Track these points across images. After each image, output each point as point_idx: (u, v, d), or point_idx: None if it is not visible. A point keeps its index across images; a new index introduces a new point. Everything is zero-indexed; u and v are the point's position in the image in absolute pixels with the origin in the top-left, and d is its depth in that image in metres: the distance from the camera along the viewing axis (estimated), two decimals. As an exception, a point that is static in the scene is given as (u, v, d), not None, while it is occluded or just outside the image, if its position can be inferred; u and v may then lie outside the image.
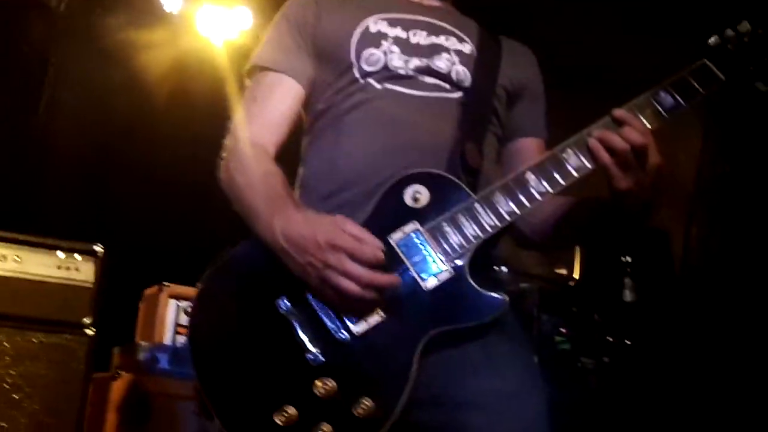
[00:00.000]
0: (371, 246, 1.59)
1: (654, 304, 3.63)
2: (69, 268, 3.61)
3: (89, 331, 3.58)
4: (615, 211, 1.72)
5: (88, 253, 3.65)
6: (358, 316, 1.62)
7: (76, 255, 3.63)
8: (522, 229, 1.93)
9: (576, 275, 3.61)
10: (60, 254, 3.59)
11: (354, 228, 1.61)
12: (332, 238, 1.58)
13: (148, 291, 3.98)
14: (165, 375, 3.48)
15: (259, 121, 1.84)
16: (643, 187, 1.65)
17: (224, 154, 1.83)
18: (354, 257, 1.57)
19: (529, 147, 1.98)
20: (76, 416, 3.48)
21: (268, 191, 1.71)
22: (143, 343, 3.58)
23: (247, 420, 1.58)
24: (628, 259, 3.63)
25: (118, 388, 3.43)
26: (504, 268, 3.43)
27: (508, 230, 1.74)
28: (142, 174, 4.92)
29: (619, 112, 1.68)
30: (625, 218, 1.73)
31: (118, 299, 4.15)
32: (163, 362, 3.52)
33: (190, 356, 1.63)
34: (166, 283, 3.80)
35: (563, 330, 3.20)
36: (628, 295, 3.58)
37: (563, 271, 3.65)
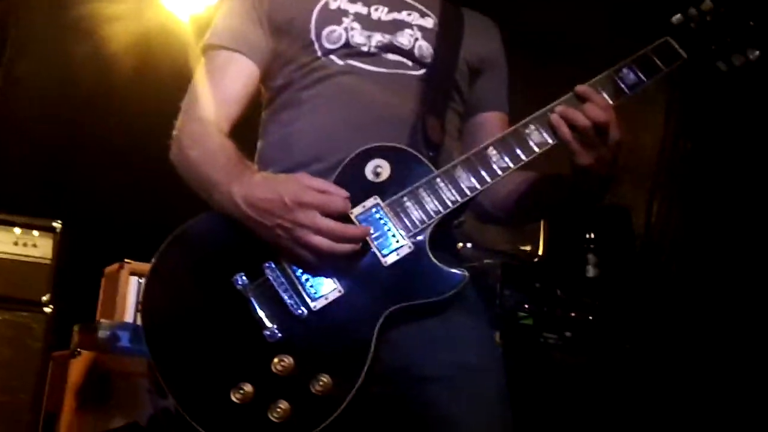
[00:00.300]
0: (337, 196, 1.59)
1: (616, 280, 3.66)
2: (26, 244, 3.56)
3: (47, 309, 3.54)
4: (576, 186, 1.71)
5: (46, 229, 3.61)
6: (325, 280, 1.60)
7: (33, 231, 3.59)
8: (483, 204, 1.92)
9: (540, 252, 3.63)
10: (17, 230, 3.54)
11: (316, 181, 1.60)
12: (298, 196, 1.56)
13: (109, 268, 3.92)
14: (126, 353, 3.44)
15: (212, 100, 1.80)
16: (603, 162, 1.65)
17: (175, 133, 1.79)
18: (324, 211, 1.56)
19: (491, 121, 1.97)
20: (34, 394, 3.44)
21: (224, 162, 1.68)
22: (103, 321, 3.54)
23: (202, 397, 1.56)
24: (591, 235, 3.65)
25: (77, 366, 3.39)
26: (469, 244, 3.43)
27: (469, 205, 1.73)
28: (104, 149, 4.84)
29: (581, 88, 1.67)
30: (585, 193, 1.73)
31: (80, 277, 4.11)
32: (124, 340, 3.47)
33: (142, 332, 1.60)
34: (127, 260, 3.75)
35: (526, 305, 3.21)
36: (590, 271, 3.61)
37: (528, 248, 3.66)
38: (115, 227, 4.72)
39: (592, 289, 3.44)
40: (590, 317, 3.37)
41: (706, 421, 3.28)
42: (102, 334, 3.45)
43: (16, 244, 3.53)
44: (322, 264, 1.59)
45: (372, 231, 1.63)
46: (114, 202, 4.82)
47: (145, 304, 1.65)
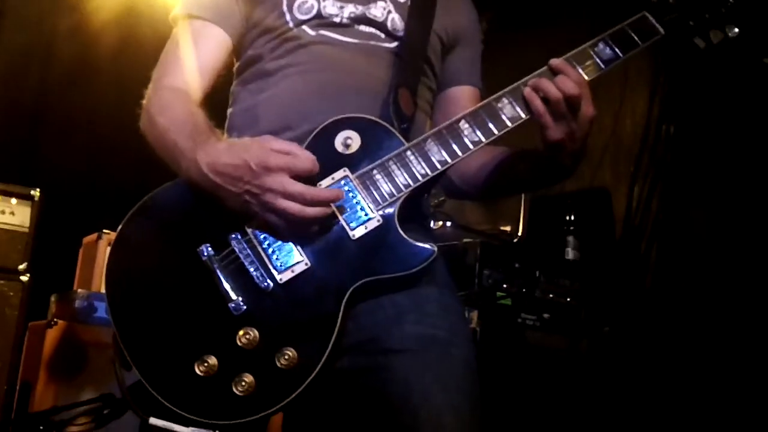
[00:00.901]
0: (304, 157, 1.56)
1: (595, 263, 3.65)
2: (4, 212, 3.50)
3: (24, 278, 3.49)
4: (546, 161, 1.70)
5: (24, 197, 3.55)
6: (299, 247, 1.58)
7: (11, 199, 3.53)
8: (452, 178, 1.91)
9: (520, 232, 3.61)
10: (-6, 197, 3.49)
11: (281, 143, 1.57)
12: (264, 160, 1.53)
13: (87, 238, 3.89)
14: (102, 324, 3.40)
15: (183, 70, 1.78)
16: (574, 138, 1.64)
17: (144, 101, 1.76)
18: (291, 173, 1.53)
19: (463, 96, 1.95)
20: (10, 364, 3.41)
21: (192, 130, 1.65)
22: (80, 291, 3.50)
23: (165, 370, 1.54)
24: (572, 217, 3.64)
25: (53, 336, 3.35)
26: (448, 223, 3.42)
27: (439, 180, 1.71)
28: (85, 120, 4.79)
29: (555, 62, 1.66)
30: (556, 168, 1.72)
31: (57, 246, 4.07)
32: (101, 311, 3.44)
33: (106, 302, 1.58)
34: (105, 231, 3.71)
35: (505, 286, 3.20)
36: (570, 254, 3.60)
37: (508, 228, 3.65)
38: (94, 197, 4.69)
39: (571, 272, 3.42)
40: (569, 299, 3.36)
41: (684, 404, 3.29)
42: (79, 304, 3.42)
43: (-7, 211, 3.48)
44: (291, 230, 1.57)
45: (340, 204, 1.61)
46: (93, 172, 4.79)
47: (109, 274, 1.62)
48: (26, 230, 3.52)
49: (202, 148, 1.59)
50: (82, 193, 4.67)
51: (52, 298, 3.60)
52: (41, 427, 3.11)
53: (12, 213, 3.51)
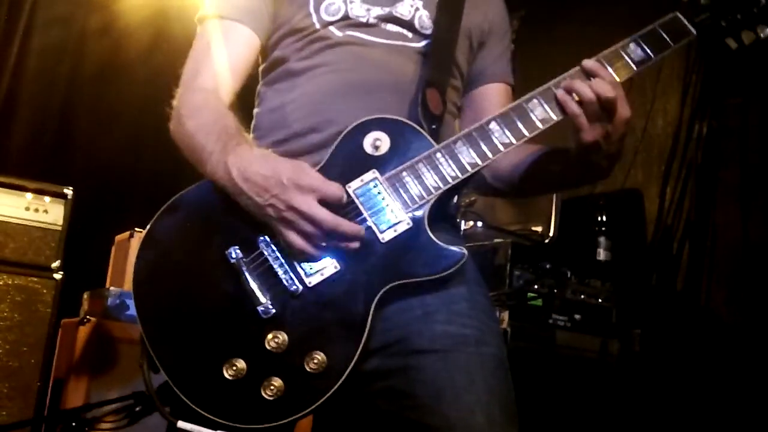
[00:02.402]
0: (335, 184, 1.54)
1: (627, 264, 3.61)
2: (37, 210, 3.55)
3: (57, 275, 3.53)
4: (581, 162, 1.67)
5: (58, 196, 3.60)
6: (316, 261, 1.56)
7: (45, 197, 3.58)
8: (485, 175, 1.89)
9: (551, 233, 3.58)
10: (28, 196, 3.54)
11: (314, 172, 1.56)
12: (297, 177, 1.52)
13: (120, 237, 3.93)
14: (134, 321, 3.41)
15: (214, 70, 1.76)
16: (610, 140, 1.61)
17: (174, 103, 1.74)
18: (319, 197, 1.51)
19: (495, 93, 1.93)
20: (43, 360, 3.45)
21: (221, 131, 1.63)
22: (112, 288, 3.53)
23: (193, 373, 1.54)
24: (603, 218, 3.60)
25: (85, 333, 3.39)
26: (479, 223, 3.39)
27: (470, 181, 1.69)
28: (116, 118, 4.83)
29: (588, 63, 1.64)
30: (591, 170, 1.69)
31: (90, 244, 4.12)
32: (133, 308, 3.44)
33: (134, 304, 1.58)
34: (138, 229, 3.74)
35: (536, 286, 3.17)
36: (602, 254, 3.56)
37: (539, 228, 3.62)
38: (127, 196, 4.73)
39: (602, 272, 3.38)
40: (600, 300, 3.32)
41: (712, 406, 3.24)
42: (111, 301, 3.45)
43: (27, 209, 3.52)
44: (307, 248, 1.55)
45: (370, 206, 1.60)
46: (126, 170, 4.83)
47: (136, 275, 1.60)
48: (59, 228, 3.56)
49: (235, 151, 1.58)
50: (115, 192, 4.72)
51: (85, 296, 3.64)
52: (73, 424, 3.13)
53: (45, 211, 3.55)
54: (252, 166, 1.55)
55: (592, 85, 1.59)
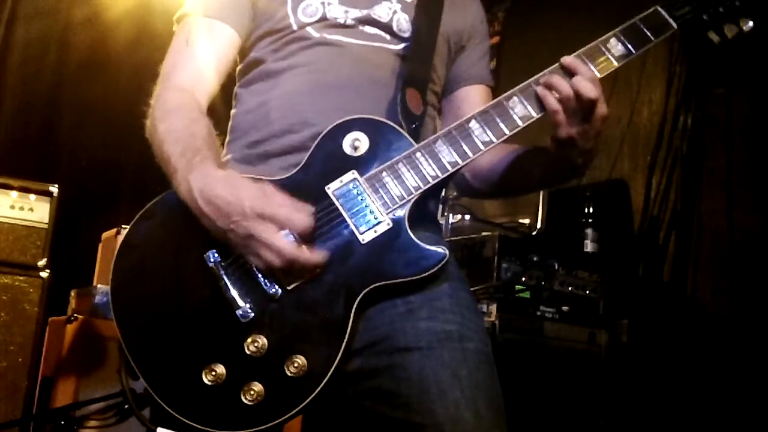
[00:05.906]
0: (303, 216, 1.49)
1: (614, 255, 3.61)
2: (23, 208, 3.53)
3: (44, 274, 3.51)
4: (558, 159, 1.67)
5: (43, 194, 3.57)
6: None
7: (30, 195, 3.55)
8: (464, 176, 1.87)
9: (539, 225, 3.58)
10: (13, 194, 3.51)
11: (283, 197, 1.50)
12: (260, 206, 1.47)
13: (107, 234, 3.90)
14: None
15: (191, 68, 1.74)
16: (587, 136, 1.60)
17: (151, 101, 1.72)
18: (283, 227, 1.47)
19: (474, 94, 1.92)
20: (31, 359, 3.44)
21: (188, 143, 1.59)
22: (99, 286, 3.51)
23: (172, 379, 1.52)
24: (590, 209, 3.60)
25: (72, 331, 3.37)
26: (467, 216, 3.39)
27: (450, 180, 1.68)
28: (102, 113, 4.79)
29: (567, 60, 1.62)
30: (568, 166, 1.69)
31: (77, 242, 4.09)
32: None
33: (111, 310, 1.56)
34: (124, 226, 3.70)
35: (523, 278, 3.17)
36: (589, 246, 3.57)
37: (526, 221, 3.61)
38: (113, 193, 4.70)
39: (590, 264, 3.39)
40: (588, 291, 3.33)
41: (701, 397, 3.25)
42: (98, 299, 3.43)
43: (12, 207, 3.49)
44: (272, 270, 1.51)
45: (350, 207, 1.58)
46: (112, 167, 4.80)
47: (113, 280, 1.59)
48: (45, 226, 3.54)
49: (199, 169, 1.53)
50: (101, 188, 4.69)
51: (72, 294, 3.63)
52: (62, 422, 3.13)
53: (31, 209, 3.53)
54: (214, 189, 1.50)
55: (572, 81, 1.58)
